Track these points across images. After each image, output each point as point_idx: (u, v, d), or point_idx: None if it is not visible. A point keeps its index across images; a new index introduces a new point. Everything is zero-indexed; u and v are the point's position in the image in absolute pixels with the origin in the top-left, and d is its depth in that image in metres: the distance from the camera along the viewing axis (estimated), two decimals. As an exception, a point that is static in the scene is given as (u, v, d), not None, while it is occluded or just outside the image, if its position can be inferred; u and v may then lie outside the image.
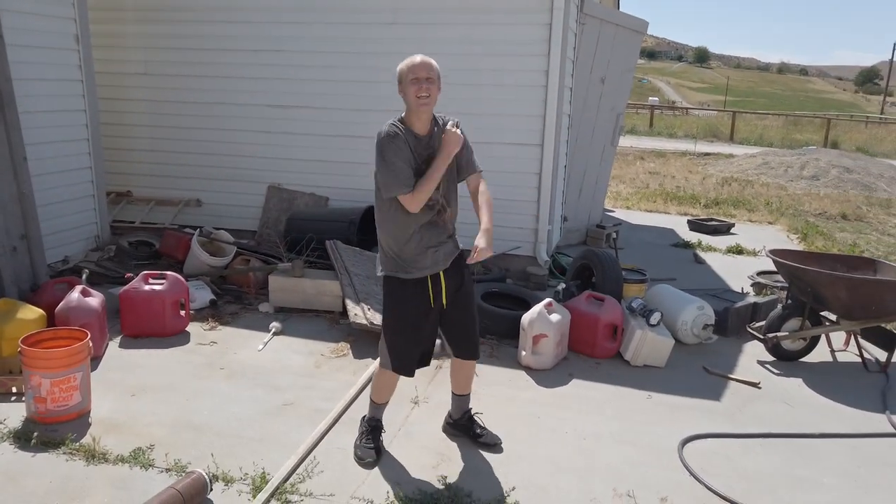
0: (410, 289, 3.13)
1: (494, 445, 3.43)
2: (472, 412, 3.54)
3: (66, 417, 3.48)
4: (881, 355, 4.77)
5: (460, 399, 3.51)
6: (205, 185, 7.02)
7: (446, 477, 3.17)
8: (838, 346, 4.99)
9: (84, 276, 4.96)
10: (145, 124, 7.03)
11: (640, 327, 4.49)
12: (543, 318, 4.33)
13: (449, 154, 3.01)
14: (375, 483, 3.11)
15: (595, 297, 4.76)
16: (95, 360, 4.15)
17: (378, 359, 3.34)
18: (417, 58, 3.00)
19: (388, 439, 3.47)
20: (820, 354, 4.84)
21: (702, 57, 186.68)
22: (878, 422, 3.94)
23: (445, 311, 3.23)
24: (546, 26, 5.85)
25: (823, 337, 4.88)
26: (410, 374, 3.25)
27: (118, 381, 4.00)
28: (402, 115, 3.07)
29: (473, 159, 3.21)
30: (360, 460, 3.26)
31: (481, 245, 2.96)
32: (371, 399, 3.41)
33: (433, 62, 3.00)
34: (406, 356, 3.21)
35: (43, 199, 5.47)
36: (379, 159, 2.98)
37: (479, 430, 3.48)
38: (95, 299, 4.32)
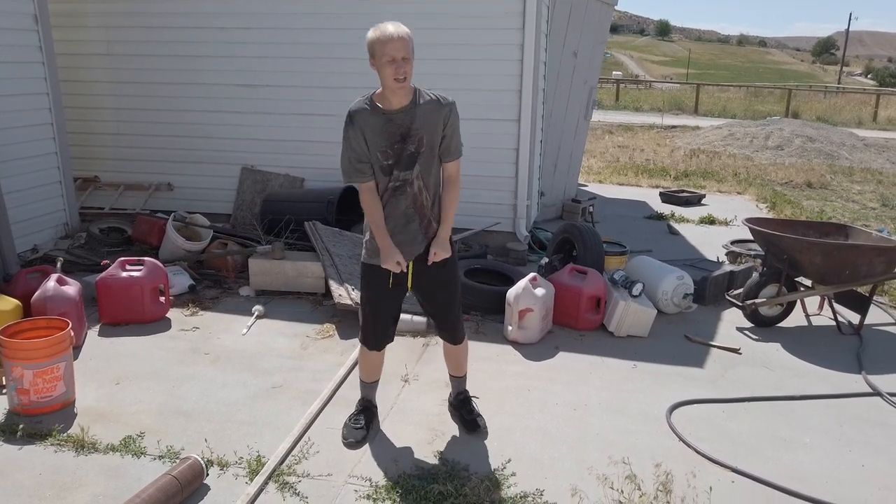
0: (377, 269, 3.08)
1: (475, 430, 3.34)
2: (469, 395, 3.50)
3: (51, 408, 3.40)
4: (854, 318, 4.92)
5: (453, 380, 3.50)
6: (176, 168, 6.87)
7: (442, 452, 3.20)
8: (813, 310, 5.13)
9: (59, 265, 4.83)
10: (110, 107, 6.83)
11: (622, 299, 4.55)
12: (529, 293, 4.36)
13: (384, 254, 2.98)
14: (372, 461, 3.12)
15: (578, 270, 4.80)
16: (76, 350, 4.05)
17: None
18: (390, 29, 2.73)
19: (381, 417, 3.48)
20: (796, 319, 4.98)
21: (663, 30, 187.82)
22: (855, 382, 4.07)
23: (424, 293, 3.21)
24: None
25: (799, 302, 5.01)
26: (372, 346, 3.25)
27: (101, 369, 3.93)
28: (377, 90, 2.91)
29: (457, 143, 3.03)
30: (344, 439, 3.26)
31: (438, 251, 3.01)
32: (360, 378, 3.42)
33: (406, 33, 2.77)
34: (369, 330, 3.23)
35: (8, 187, 5.31)
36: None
37: (466, 415, 3.41)
38: (72, 288, 4.21)
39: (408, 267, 3.09)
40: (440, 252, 3.03)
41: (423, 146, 2.93)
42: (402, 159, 2.93)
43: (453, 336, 3.32)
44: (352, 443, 3.23)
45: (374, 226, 3.01)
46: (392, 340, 3.33)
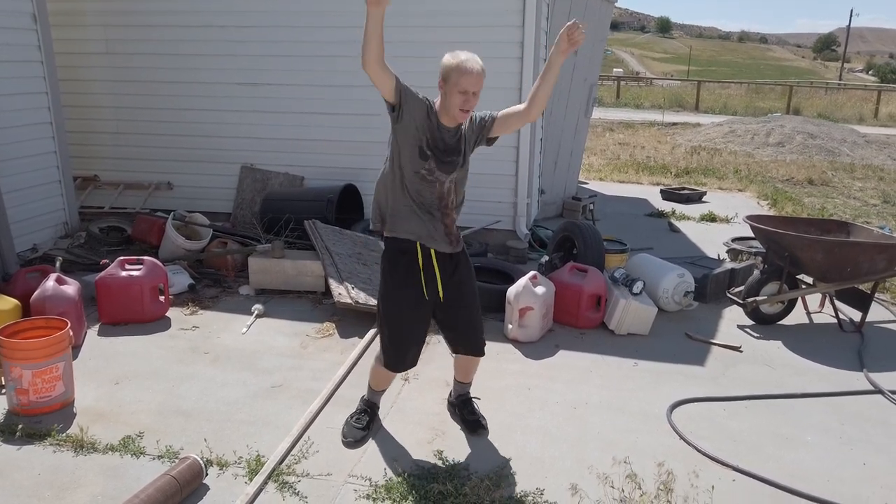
0: (402, 270, 3.00)
1: (477, 431, 3.32)
2: (470, 396, 3.48)
3: (50, 408, 3.40)
4: (855, 315, 4.91)
5: (458, 384, 3.48)
6: (175, 167, 6.86)
7: (442, 451, 3.18)
8: (814, 308, 5.12)
9: (58, 264, 4.82)
10: (110, 105, 6.82)
11: (623, 297, 4.53)
12: (529, 291, 4.35)
13: None
14: (372, 461, 3.11)
15: (578, 268, 4.79)
16: (75, 349, 4.04)
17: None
18: (470, 63, 2.78)
19: (380, 416, 3.46)
20: (797, 317, 4.96)
21: (664, 27, 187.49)
22: (856, 379, 4.06)
23: (448, 308, 3.10)
24: (520, -3, 5.79)
25: (800, 300, 4.99)
26: (399, 369, 3.18)
27: (100, 369, 3.92)
28: (438, 100, 2.91)
29: (488, 116, 3.01)
30: (344, 437, 3.25)
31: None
32: (369, 384, 3.39)
33: (483, 69, 2.82)
34: (398, 351, 3.11)
35: (7, 186, 5.30)
36: None
37: (468, 415, 3.39)
38: (71, 287, 4.20)
39: (433, 269, 3.02)
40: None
41: (465, 162, 3.01)
42: (444, 163, 2.94)
43: (479, 346, 3.24)
44: (351, 442, 3.22)
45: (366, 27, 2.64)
46: (415, 364, 3.21)
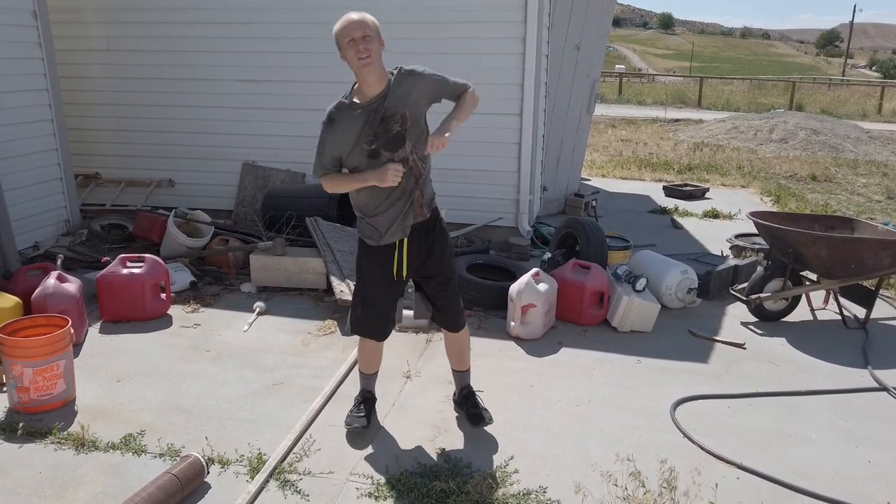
0: (374, 255, 3.08)
1: (479, 422, 3.29)
2: (473, 389, 3.46)
3: (51, 406, 3.39)
4: (860, 312, 4.88)
5: (456, 375, 3.48)
6: (177, 164, 6.85)
7: (444, 449, 3.17)
8: (818, 304, 5.09)
9: (59, 262, 4.81)
10: (111, 103, 6.80)
11: (626, 294, 4.51)
12: (531, 288, 4.33)
13: (375, 179, 2.85)
14: (374, 458, 3.09)
15: (581, 265, 4.77)
16: (76, 347, 4.04)
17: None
18: (349, 16, 2.82)
19: (382, 414, 3.45)
20: (801, 314, 4.94)
21: (666, 23, 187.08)
22: (861, 377, 4.03)
23: (424, 280, 3.18)
24: (522, -8, 5.76)
25: (804, 296, 4.97)
26: (371, 335, 3.24)
27: (101, 367, 3.91)
28: (354, 84, 2.93)
29: (453, 83, 2.96)
30: (348, 426, 3.25)
31: (436, 140, 2.79)
32: (359, 370, 3.40)
33: (367, 17, 2.82)
34: (364, 320, 3.20)
35: (9, 184, 5.29)
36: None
37: (471, 408, 3.37)
38: (73, 285, 4.19)
39: (402, 255, 3.05)
40: (436, 141, 2.80)
41: (409, 121, 2.90)
42: (390, 140, 2.88)
43: (454, 322, 3.29)
44: (357, 428, 3.22)
45: (351, 179, 2.94)
46: (387, 335, 3.29)
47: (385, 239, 3.03)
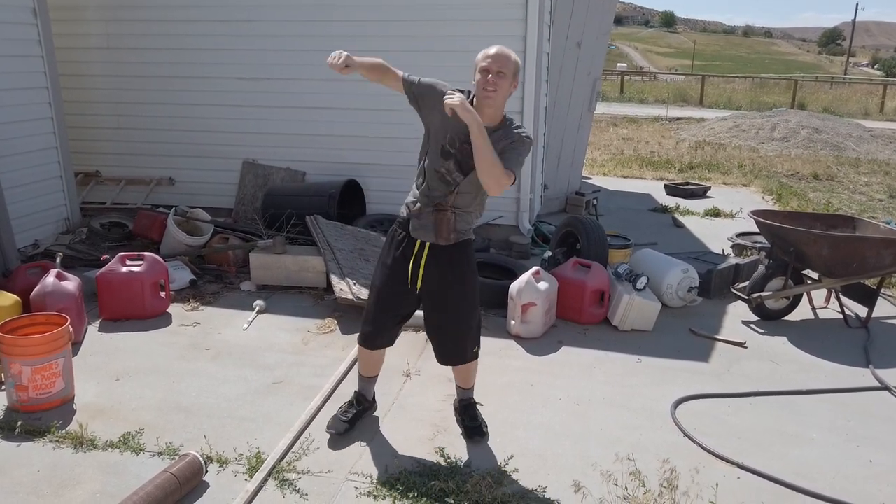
0: (395, 250, 3.03)
1: (475, 437, 3.22)
2: (474, 401, 3.38)
3: (50, 405, 3.38)
4: (861, 311, 4.87)
5: (460, 390, 3.39)
6: (177, 162, 6.83)
7: (444, 448, 3.16)
8: (819, 303, 5.07)
9: (58, 260, 4.80)
10: (111, 101, 6.79)
11: (626, 292, 4.50)
12: (532, 287, 4.31)
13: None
14: (373, 458, 3.08)
15: (581, 263, 4.76)
16: (75, 346, 4.03)
17: None
18: (493, 49, 2.82)
19: (381, 413, 3.44)
20: (802, 313, 4.92)
21: (668, 21, 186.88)
22: (862, 376, 4.02)
23: (427, 309, 3.11)
24: (523, -10, 5.74)
25: (805, 295, 4.95)
26: (368, 345, 3.20)
27: (100, 365, 3.90)
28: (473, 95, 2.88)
29: (511, 157, 2.80)
30: (328, 428, 3.22)
31: (455, 103, 2.65)
32: (358, 371, 3.38)
33: (512, 56, 2.83)
34: (371, 325, 3.14)
35: (9, 182, 5.28)
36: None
37: (468, 421, 3.30)
38: (72, 283, 4.18)
39: (419, 263, 3.00)
40: (457, 105, 2.64)
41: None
42: (463, 163, 2.86)
43: (448, 356, 3.20)
44: (333, 434, 3.19)
45: (395, 73, 2.90)
46: (390, 344, 3.25)
47: (413, 223, 2.96)
